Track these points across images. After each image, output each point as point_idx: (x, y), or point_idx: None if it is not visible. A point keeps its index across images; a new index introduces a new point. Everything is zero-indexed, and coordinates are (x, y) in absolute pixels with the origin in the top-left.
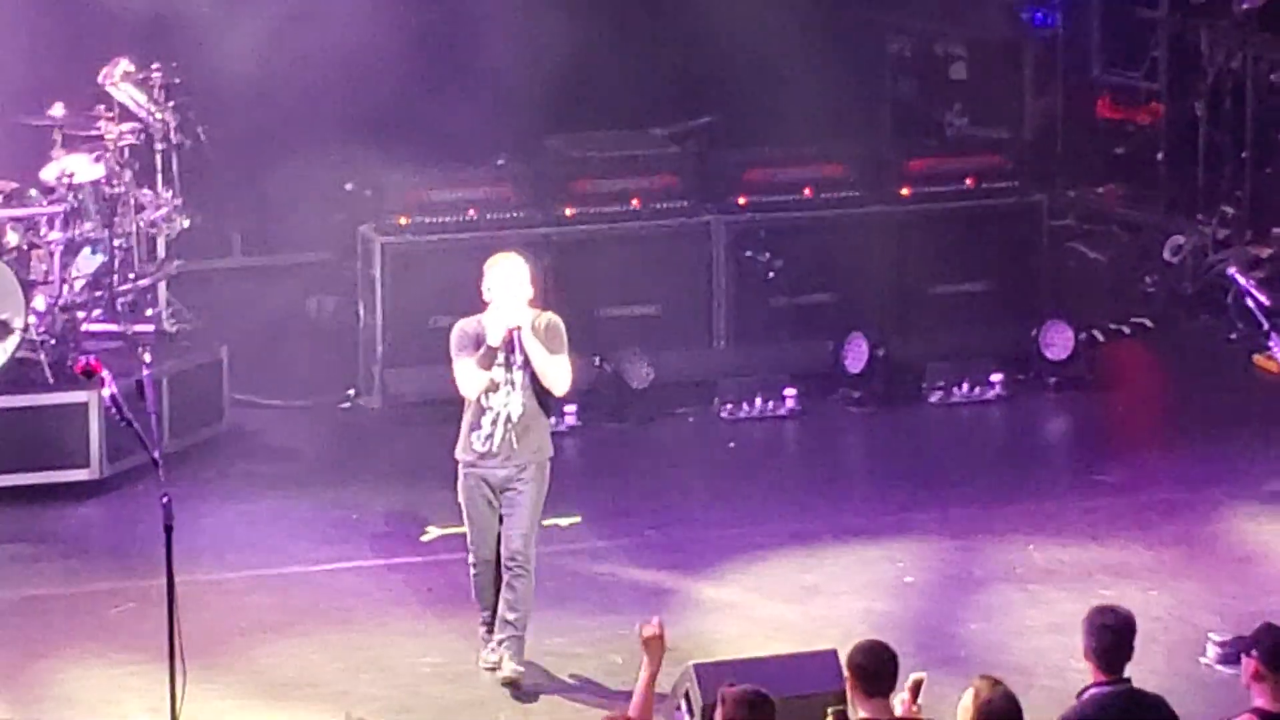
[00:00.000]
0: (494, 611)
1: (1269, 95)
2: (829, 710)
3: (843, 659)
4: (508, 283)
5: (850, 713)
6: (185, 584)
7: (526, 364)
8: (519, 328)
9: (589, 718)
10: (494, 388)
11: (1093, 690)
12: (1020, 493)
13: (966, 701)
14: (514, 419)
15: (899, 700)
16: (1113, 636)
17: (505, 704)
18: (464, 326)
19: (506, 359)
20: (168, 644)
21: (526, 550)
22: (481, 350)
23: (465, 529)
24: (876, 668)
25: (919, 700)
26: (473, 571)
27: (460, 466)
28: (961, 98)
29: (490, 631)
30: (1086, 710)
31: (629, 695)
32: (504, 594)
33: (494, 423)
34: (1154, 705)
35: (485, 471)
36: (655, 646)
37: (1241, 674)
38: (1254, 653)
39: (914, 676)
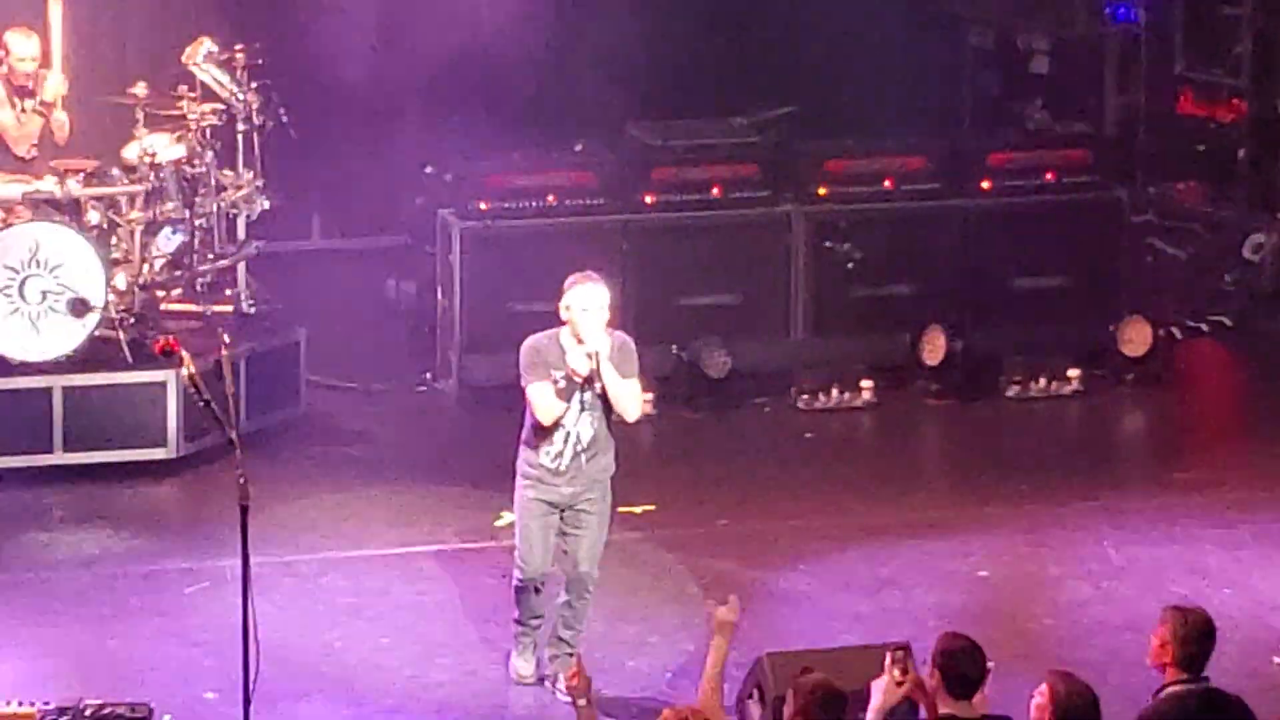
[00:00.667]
0: (533, 621)
1: None
2: (889, 652)
3: (917, 650)
4: (590, 307)
5: (924, 691)
6: (259, 565)
7: (601, 386)
8: (597, 353)
9: (660, 706)
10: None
11: (1171, 688)
12: (1096, 489)
13: (1041, 698)
14: (584, 440)
15: None
16: (1197, 637)
17: None
18: (536, 346)
19: (569, 393)
20: (241, 624)
21: (593, 572)
22: (563, 384)
23: (517, 540)
24: (969, 672)
25: (986, 690)
26: (518, 585)
27: (521, 479)
28: (1043, 92)
29: (525, 638)
30: (1165, 708)
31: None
32: (562, 610)
33: (564, 441)
34: (1232, 704)
35: (548, 490)
36: (727, 629)
37: None
38: None
39: None
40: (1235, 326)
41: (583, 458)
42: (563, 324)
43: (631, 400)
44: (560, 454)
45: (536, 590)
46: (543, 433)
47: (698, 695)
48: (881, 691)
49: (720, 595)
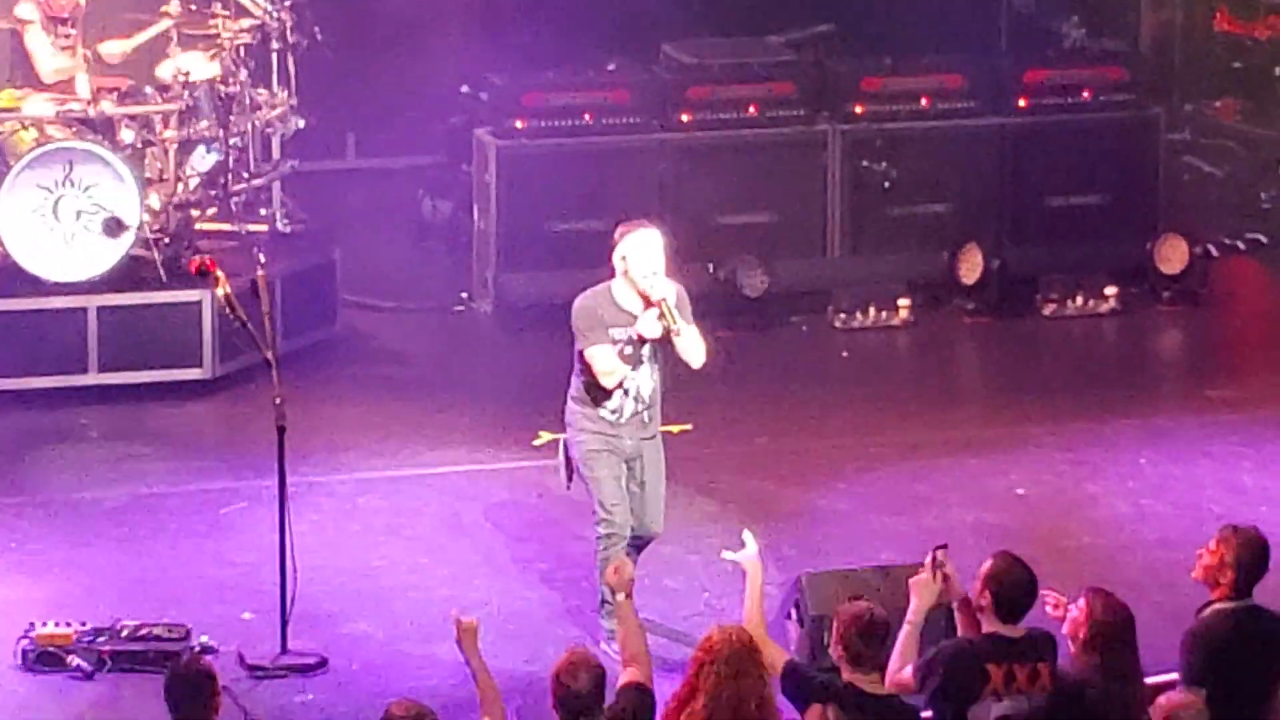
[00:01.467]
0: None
1: None
2: (932, 551)
3: (958, 568)
4: (650, 258)
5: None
6: (296, 485)
7: (658, 339)
8: (665, 300)
9: (700, 623)
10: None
11: (1215, 607)
12: (1133, 407)
13: (1074, 612)
14: (644, 395)
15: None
16: (1259, 561)
17: None
18: (589, 306)
19: (637, 355)
20: (278, 545)
21: (661, 526)
22: (629, 350)
23: (595, 495)
24: (1021, 600)
25: None
26: (604, 545)
27: (578, 433)
28: (1079, 9)
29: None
30: (1213, 624)
31: (740, 600)
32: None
33: (623, 396)
34: (1274, 623)
35: (614, 442)
36: (755, 569)
37: None
38: None
39: None
40: (1272, 244)
41: (644, 414)
42: (611, 276)
43: (697, 347)
44: (619, 409)
45: (627, 545)
46: (601, 391)
47: (744, 616)
48: (920, 590)
49: (755, 522)
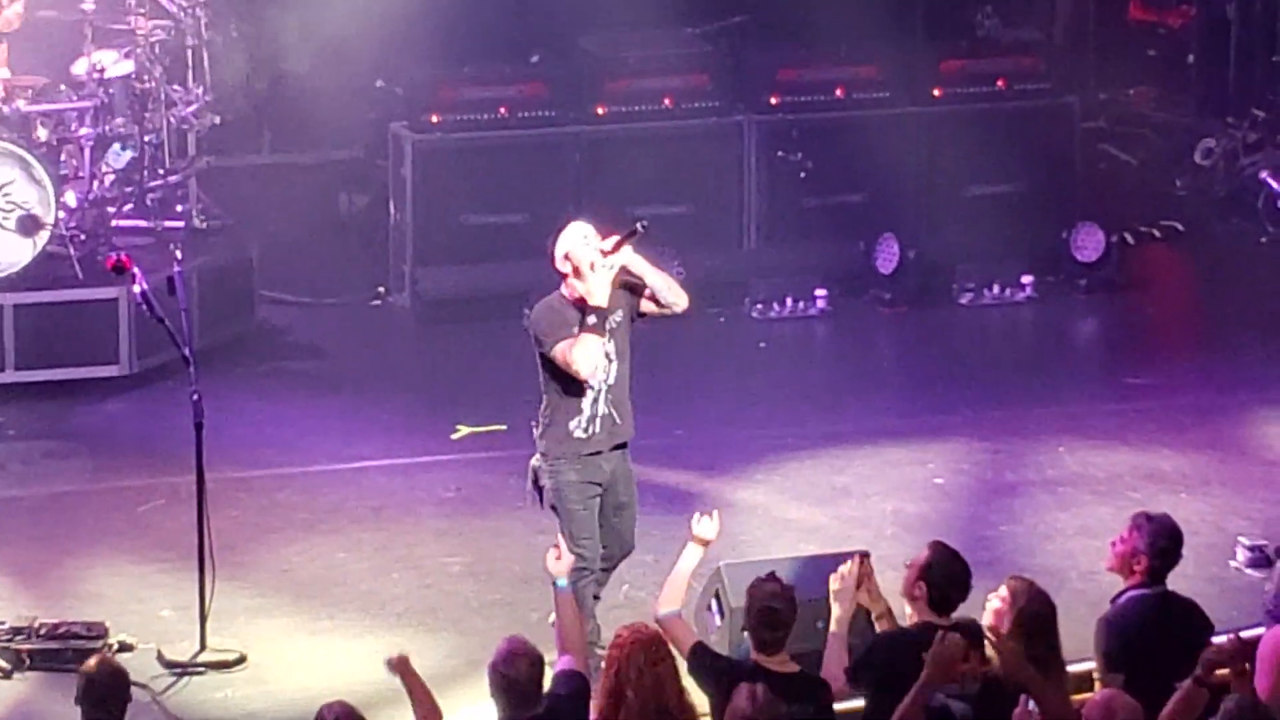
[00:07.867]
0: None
1: None
2: (858, 557)
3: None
4: (588, 240)
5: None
6: (214, 481)
7: (619, 329)
8: (635, 230)
9: (619, 616)
10: None
11: (1130, 594)
12: (1050, 395)
13: (996, 603)
14: (612, 390)
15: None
16: (1171, 548)
17: (535, 603)
18: (550, 306)
19: (602, 325)
20: (197, 541)
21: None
22: (592, 319)
23: (566, 526)
24: (955, 593)
25: None
26: (579, 579)
27: (551, 463)
28: None
29: None
30: (1127, 612)
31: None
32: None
33: (594, 402)
34: (1188, 609)
35: (590, 471)
36: (698, 549)
37: None
38: None
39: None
40: (1187, 231)
41: (614, 410)
42: (562, 279)
43: (672, 287)
44: (592, 418)
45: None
46: (570, 403)
47: (659, 599)
48: (842, 599)
49: (704, 509)
